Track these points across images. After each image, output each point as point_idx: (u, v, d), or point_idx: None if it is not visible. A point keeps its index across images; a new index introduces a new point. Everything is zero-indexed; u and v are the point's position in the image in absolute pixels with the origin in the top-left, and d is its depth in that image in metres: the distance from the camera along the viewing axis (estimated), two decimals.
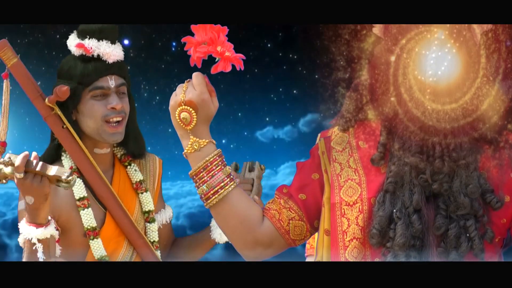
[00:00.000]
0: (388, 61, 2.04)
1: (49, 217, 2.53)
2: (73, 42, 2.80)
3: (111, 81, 2.78)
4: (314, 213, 2.14)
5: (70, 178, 2.41)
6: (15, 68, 2.74)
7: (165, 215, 2.97)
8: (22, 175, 2.41)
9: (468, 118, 2.02)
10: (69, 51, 2.82)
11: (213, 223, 2.93)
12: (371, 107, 2.10)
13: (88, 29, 2.77)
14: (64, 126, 2.76)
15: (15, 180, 2.44)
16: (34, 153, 2.47)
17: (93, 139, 2.80)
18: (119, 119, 2.77)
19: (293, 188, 2.15)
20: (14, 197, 5.71)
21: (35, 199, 2.44)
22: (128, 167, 2.90)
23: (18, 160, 2.42)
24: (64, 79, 2.78)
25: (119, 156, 2.91)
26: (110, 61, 2.78)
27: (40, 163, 2.42)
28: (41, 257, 2.51)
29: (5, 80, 2.78)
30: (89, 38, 2.76)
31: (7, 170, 2.44)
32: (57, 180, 2.42)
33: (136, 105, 2.95)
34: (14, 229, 5.82)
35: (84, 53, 2.76)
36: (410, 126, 2.03)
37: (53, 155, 2.84)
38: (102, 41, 2.77)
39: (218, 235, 2.92)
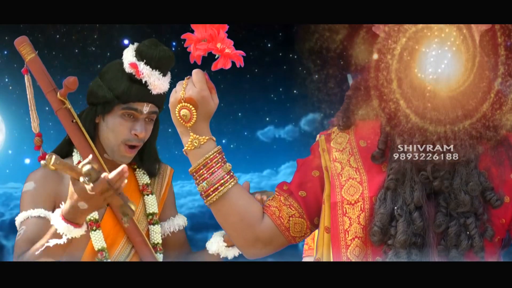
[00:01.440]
0: (388, 60, 2.04)
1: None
2: (129, 57, 2.79)
3: (146, 108, 2.80)
4: (314, 210, 2.14)
5: (124, 219, 2.34)
6: (32, 62, 2.79)
7: (173, 223, 2.98)
8: (93, 193, 2.23)
9: (472, 122, 2.01)
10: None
11: (208, 245, 2.92)
12: (371, 105, 2.09)
13: (148, 53, 2.77)
14: (74, 121, 2.79)
15: (82, 187, 2.25)
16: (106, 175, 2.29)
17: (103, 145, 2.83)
18: (136, 145, 2.80)
19: (293, 185, 2.15)
20: (13, 197, 5.68)
21: (89, 207, 2.32)
22: (137, 170, 2.93)
23: (97, 184, 2.21)
24: (104, 84, 2.79)
25: None
26: (155, 92, 2.79)
27: (121, 193, 2.26)
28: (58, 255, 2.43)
29: (25, 76, 2.82)
30: (145, 63, 2.77)
31: (81, 176, 2.22)
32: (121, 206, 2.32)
33: None
34: (12, 230, 5.80)
35: (134, 74, 2.77)
36: (411, 123, 2.02)
37: (64, 150, 2.87)
38: (156, 70, 2.78)
39: (216, 249, 2.92)
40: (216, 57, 2.08)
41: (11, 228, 5.43)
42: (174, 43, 5.61)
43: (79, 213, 2.37)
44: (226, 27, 2.08)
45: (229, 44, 2.07)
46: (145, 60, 2.77)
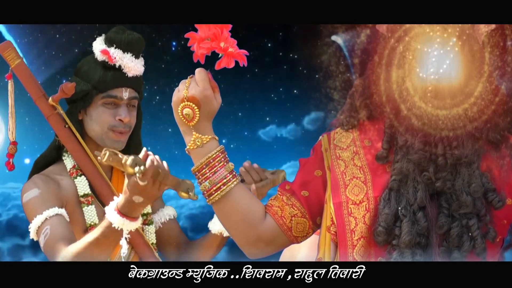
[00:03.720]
0: (391, 59, 2.03)
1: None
2: (99, 46, 2.81)
3: (125, 93, 2.81)
4: (316, 210, 2.13)
5: (191, 193, 2.36)
6: (19, 68, 2.77)
7: (164, 213, 2.98)
8: (145, 182, 2.31)
9: (474, 123, 2.01)
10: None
11: (211, 225, 2.93)
12: (374, 105, 2.09)
13: (116, 38, 2.80)
14: (67, 126, 2.78)
15: (132, 180, 2.33)
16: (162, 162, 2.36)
17: (94, 142, 2.82)
18: (122, 131, 2.80)
19: (295, 185, 2.15)
20: (11, 198, 5.65)
21: (144, 200, 2.38)
22: None
23: (148, 170, 2.30)
24: (81, 79, 2.80)
25: None
26: (130, 75, 2.81)
27: (171, 176, 2.34)
28: (124, 251, 2.44)
29: (9, 81, 2.80)
30: (115, 48, 2.78)
31: (130, 169, 2.28)
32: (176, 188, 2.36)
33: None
34: (8, 232, 5.77)
35: (106, 60, 2.78)
36: (412, 123, 2.02)
37: (53, 155, 2.86)
38: (127, 53, 2.81)
39: (219, 228, 2.90)
40: (219, 56, 2.07)
41: (7, 230, 5.40)
42: (174, 43, 5.60)
43: (135, 207, 2.40)
44: (230, 26, 2.08)
45: (232, 43, 2.07)
46: (115, 45, 2.79)
